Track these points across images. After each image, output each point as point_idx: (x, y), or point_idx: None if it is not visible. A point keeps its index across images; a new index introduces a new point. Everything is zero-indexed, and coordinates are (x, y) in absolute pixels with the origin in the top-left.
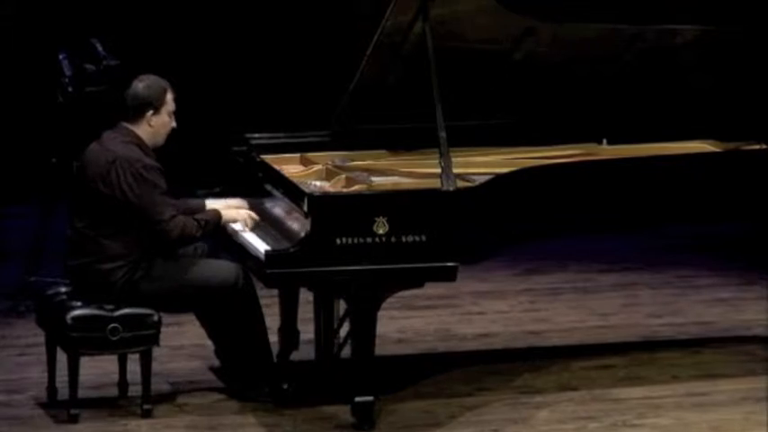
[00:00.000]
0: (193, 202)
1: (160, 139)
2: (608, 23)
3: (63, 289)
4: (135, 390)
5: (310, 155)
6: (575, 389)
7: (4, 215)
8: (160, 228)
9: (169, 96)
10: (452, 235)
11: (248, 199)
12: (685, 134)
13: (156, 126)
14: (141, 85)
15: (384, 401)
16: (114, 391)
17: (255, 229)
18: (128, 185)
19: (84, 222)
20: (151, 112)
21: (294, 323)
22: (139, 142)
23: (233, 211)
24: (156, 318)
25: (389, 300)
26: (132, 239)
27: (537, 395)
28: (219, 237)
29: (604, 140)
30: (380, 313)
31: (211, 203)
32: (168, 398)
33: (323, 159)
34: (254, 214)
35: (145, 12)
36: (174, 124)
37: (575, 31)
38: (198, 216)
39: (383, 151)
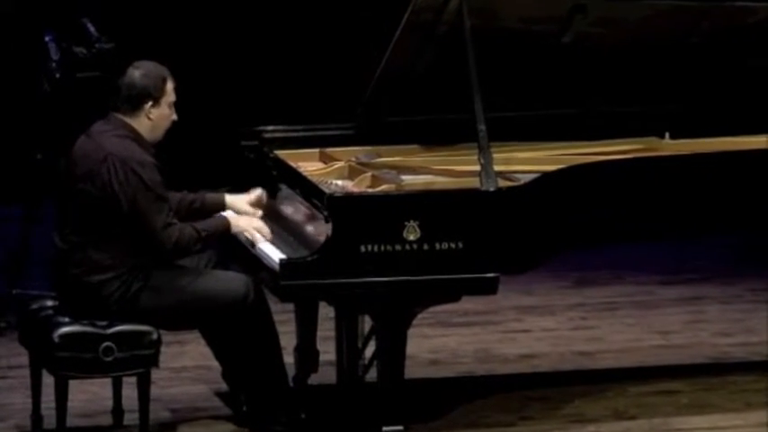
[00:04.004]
0: (211, 195)
1: (159, 133)
2: None
3: (49, 303)
4: (131, 418)
5: (331, 150)
6: (632, 417)
7: None
8: (152, 237)
9: (169, 86)
10: (493, 242)
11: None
12: (760, 128)
13: (156, 119)
14: (138, 73)
15: (415, 431)
16: (108, 420)
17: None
18: (119, 186)
19: (72, 228)
20: (150, 103)
21: (313, 342)
22: (136, 136)
23: (243, 222)
24: (154, 336)
25: (421, 316)
26: (126, 247)
27: (589, 425)
28: (230, 245)
29: (667, 134)
30: (411, 331)
31: (232, 199)
32: (169, 427)
33: (346, 155)
34: (266, 228)
35: None
36: (174, 117)
37: (632, 9)
38: (200, 226)
39: (414, 146)
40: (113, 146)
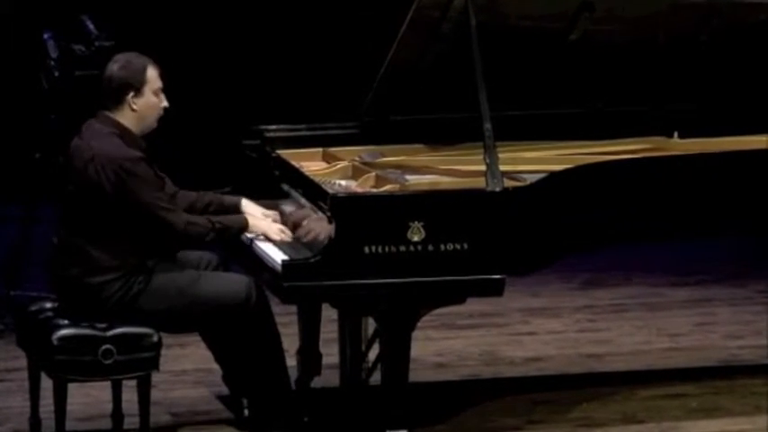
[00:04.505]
0: (228, 198)
1: (149, 122)
2: None
3: (48, 305)
4: (131, 422)
5: (335, 150)
6: (641, 421)
7: None
8: (161, 221)
9: (151, 73)
10: (499, 243)
11: (268, 201)
12: None
13: (142, 109)
14: (116, 66)
15: None
16: (107, 424)
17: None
18: (110, 184)
19: (70, 229)
20: (132, 94)
21: (316, 345)
22: (122, 132)
23: (264, 223)
24: (155, 338)
25: (426, 318)
26: (125, 248)
27: (597, 429)
28: (231, 245)
29: (675, 134)
30: (415, 333)
31: (248, 205)
32: (169, 431)
33: (349, 155)
34: (287, 232)
35: None
36: (165, 103)
37: (639, 6)
38: (215, 218)
39: (419, 146)
40: (99, 145)
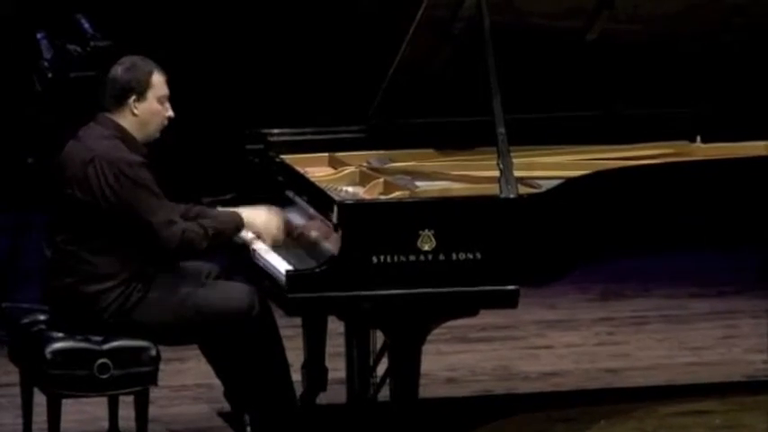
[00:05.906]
0: (211, 212)
1: (151, 129)
2: None
3: (41, 317)
4: None
5: (341, 155)
6: None
7: None
8: (154, 236)
9: (156, 78)
10: (513, 252)
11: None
12: None
13: (144, 114)
14: (121, 68)
15: None
16: None
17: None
18: (110, 188)
19: (65, 236)
20: (134, 98)
21: (321, 359)
22: (123, 135)
23: (261, 218)
24: (153, 352)
25: (437, 331)
26: (123, 255)
27: None
28: (233, 254)
29: (698, 138)
30: (426, 347)
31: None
32: None
33: (356, 160)
34: (280, 237)
35: None
36: (169, 113)
37: (660, 4)
38: (207, 222)
39: (429, 150)
40: (100, 147)
